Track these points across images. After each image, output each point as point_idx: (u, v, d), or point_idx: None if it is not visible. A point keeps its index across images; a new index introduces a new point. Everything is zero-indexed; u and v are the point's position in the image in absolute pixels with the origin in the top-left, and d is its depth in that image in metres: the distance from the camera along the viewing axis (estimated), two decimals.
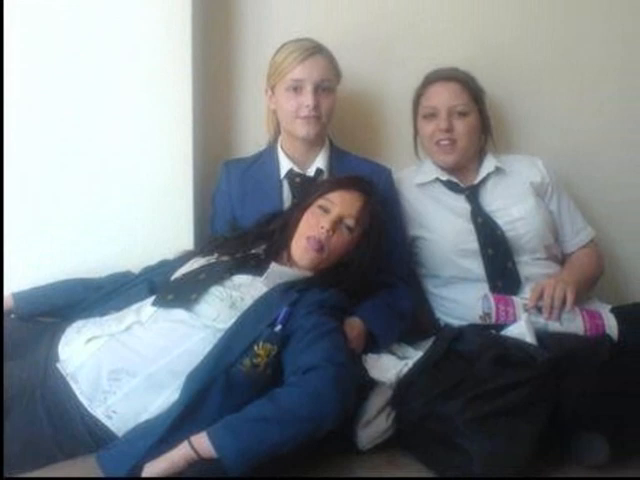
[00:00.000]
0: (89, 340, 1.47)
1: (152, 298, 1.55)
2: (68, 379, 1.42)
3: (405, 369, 1.56)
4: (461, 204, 1.97)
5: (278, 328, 1.44)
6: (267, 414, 1.29)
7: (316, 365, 1.35)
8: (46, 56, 1.85)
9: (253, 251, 1.71)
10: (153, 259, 1.81)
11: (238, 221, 1.91)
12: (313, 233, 1.63)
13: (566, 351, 1.52)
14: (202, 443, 1.25)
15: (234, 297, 1.52)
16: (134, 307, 1.57)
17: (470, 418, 1.37)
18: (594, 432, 1.45)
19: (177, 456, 1.26)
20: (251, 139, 2.14)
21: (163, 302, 1.51)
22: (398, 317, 1.73)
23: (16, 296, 1.72)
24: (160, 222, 1.92)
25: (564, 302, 1.71)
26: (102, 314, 1.60)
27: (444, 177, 2.00)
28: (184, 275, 1.62)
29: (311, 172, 1.94)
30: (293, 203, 1.86)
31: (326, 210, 1.66)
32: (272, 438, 1.27)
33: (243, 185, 1.94)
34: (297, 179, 1.93)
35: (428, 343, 1.67)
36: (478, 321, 1.75)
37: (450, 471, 1.42)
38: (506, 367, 1.45)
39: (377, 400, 1.51)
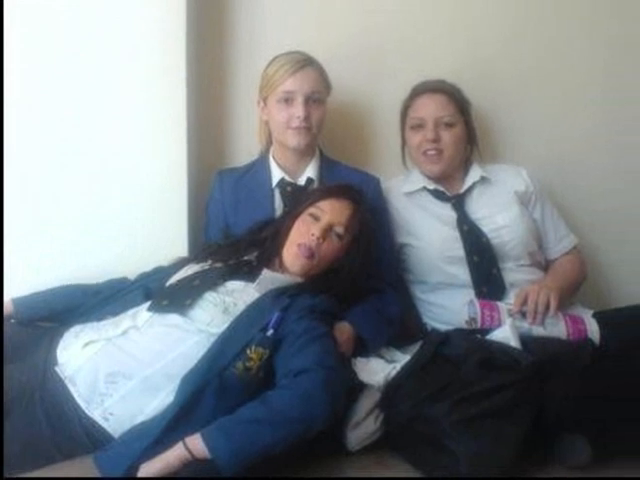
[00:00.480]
0: (86, 344, 1.48)
1: (148, 303, 1.56)
2: (66, 382, 1.43)
3: (393, 372, 1.58)
4: (447, 212, 1.99)
5: (270, 332, 1.46)
6: (259, 416, 1.31)
7: (307, 368, 1.37)
8: (46, 56, 1.86)
9: (246, 258, 1.73)
10: (149, 265, 1.82)
11: (231, 229, 1.93)
12: (304, 240, 1.64)
13: (549, 355, 1.54)
14: (196, 444, 1.27)
15: (227, 302, 1.54)
16: (130, 312, 1.58)
17: (456, 420, 1.39)
18: (576, 434, 1.47)
19: (172, 457, 1.27)
20: (244, 148, 2.16)
21: (158, 307, 1.53)
22: (387, 322, 1.74)
23: (16, 301, 1.73)
24: (155, 229, 1.93)
25: (547, 307, 1.73)
26: (99, 319, 1.61)
27: (431, 186, 2.02)
28: (179, 281, 1.63)
29: (302, 181, 1.96)
30: (284, 211, 1.88)
31: (316, 218, 1.68)
32: (264, 439, 1.28)
33: (236, 194, 1.96)
34: (288, 188, 1.95)
35: (415, 347, 1.69)
36: (464, 326, 1.77)
37: (437, 471, 1.43)
38: (491, 370, 1.47)
39: (366, 402, 1.53)
